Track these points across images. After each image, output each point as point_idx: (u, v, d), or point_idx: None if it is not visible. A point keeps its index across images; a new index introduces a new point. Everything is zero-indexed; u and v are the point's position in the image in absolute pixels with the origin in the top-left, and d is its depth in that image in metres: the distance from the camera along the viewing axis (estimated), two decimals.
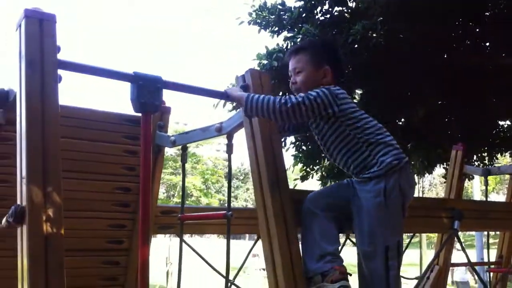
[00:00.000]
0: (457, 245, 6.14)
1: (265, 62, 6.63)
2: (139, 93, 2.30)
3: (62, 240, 1.89)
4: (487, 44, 8.02)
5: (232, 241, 2.60)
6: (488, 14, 7.42)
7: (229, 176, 2.90)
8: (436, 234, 5.28)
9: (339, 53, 2.92)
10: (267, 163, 2.53)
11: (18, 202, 1.93)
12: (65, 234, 2.11)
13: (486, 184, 4.94)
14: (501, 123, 9.70)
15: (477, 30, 7.68)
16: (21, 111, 2.01)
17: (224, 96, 2.67)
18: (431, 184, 41.73)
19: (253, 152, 2.61)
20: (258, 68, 6.79)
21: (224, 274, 2.70)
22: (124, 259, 3.24)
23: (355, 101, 7.43)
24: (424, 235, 31.69)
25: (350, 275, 2.51)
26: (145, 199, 2.29)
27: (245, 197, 49.83)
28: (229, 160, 2.86)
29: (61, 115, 2.49)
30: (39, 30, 2.06)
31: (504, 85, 7.65)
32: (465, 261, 4.06)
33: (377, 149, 2.46)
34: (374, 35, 5.79)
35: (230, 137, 2.75)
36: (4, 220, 1.94)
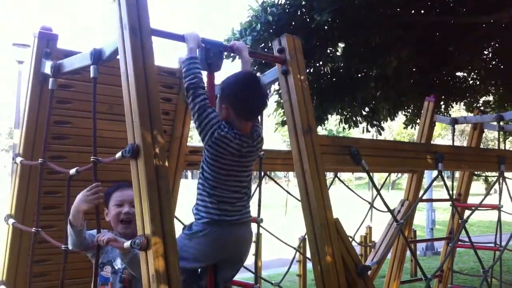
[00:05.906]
0: None
1: (258, 15, 6.93)
2: (206, 55, 2.81)
3: (167, 171, 2.43)
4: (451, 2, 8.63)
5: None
6: None
7: None
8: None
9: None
10: (301, 114, 3.16)
11: (131, 141, 2.41)
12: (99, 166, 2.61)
13: (453, 131, 5.58)
14: (458, 74, 10.46)
15: None
16: (127, 68, 2.46)
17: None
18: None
19: (289, 104, 3.21)
20: (251, 20, 7.10)
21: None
22: None
23: (337, 53, 7.98)
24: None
25: None
26: None
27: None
28: None
29: (113, 66, 2.93)
30: (136, 3, 2.54)
31: (466, 40, 8.32)
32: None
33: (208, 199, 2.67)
34: None
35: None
36: (119, 154, 2.44)
